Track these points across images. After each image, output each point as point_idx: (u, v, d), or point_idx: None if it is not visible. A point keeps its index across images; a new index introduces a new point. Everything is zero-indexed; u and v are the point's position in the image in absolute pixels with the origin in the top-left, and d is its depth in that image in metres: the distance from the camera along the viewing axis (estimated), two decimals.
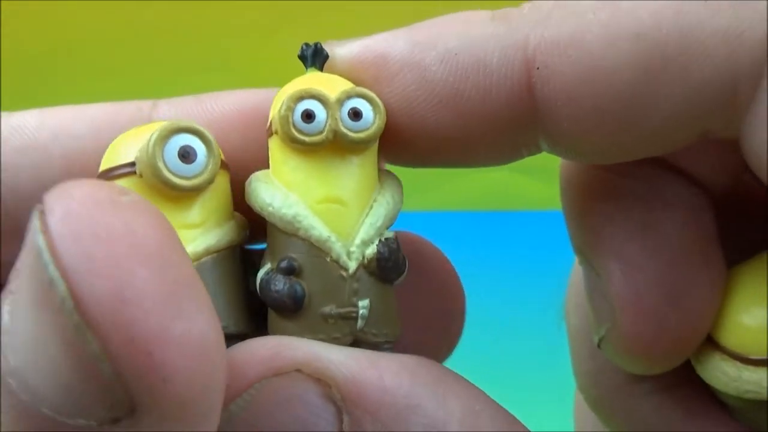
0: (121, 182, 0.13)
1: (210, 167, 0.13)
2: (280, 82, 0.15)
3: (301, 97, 0.14)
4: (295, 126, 0.13)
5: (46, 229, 0.09)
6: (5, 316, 0.10)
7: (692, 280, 0.15)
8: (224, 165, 0.14)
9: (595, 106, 0.13)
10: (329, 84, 0.14)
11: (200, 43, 0.67)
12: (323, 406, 0.12)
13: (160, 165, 0.13)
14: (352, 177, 0.14)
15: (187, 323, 0.10)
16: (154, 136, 0.13)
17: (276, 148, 0.14)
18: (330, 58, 0.15)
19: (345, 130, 0.14)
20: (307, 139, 0.13)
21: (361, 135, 0.14)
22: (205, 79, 0.74)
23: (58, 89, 0.70)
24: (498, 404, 0.13)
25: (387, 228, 0.14)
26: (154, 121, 0.15)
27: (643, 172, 0.15)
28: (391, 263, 0.14)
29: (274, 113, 0.14)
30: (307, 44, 0.15)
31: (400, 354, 0.13)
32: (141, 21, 0.68)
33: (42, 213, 0.10)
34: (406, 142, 0.14)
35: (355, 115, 0.14)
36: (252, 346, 0.12)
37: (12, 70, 0.68)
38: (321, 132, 0.13)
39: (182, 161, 0.13)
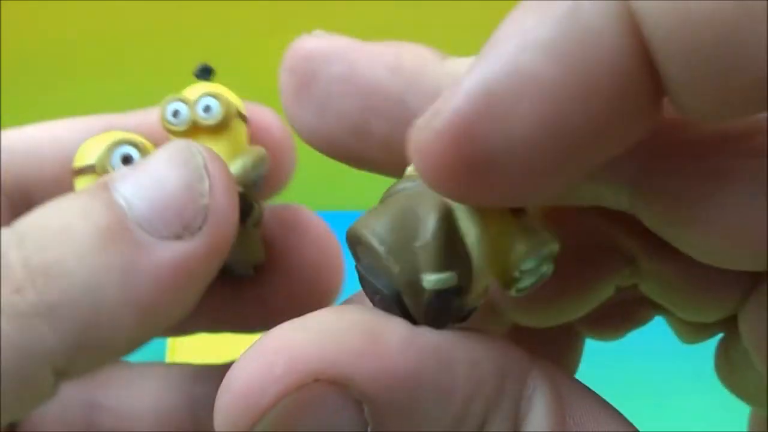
0: (86, 178, 0.19)
1: None
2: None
3: (169, 101, 0.20)
4: (167, 120, 0.19)
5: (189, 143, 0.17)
6: (123, 172, 0.17)
7: None
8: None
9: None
10: (197, 88, 0.20)
11: (200, 43, 0.67)
12: (344, 405, 0.12)
13: (109, 168, 0.18)
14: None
15: (236, 194, 0.17)
16: (103, 149, 0.18)
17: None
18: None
19: (200, 120, 0.19)
20: (175, 128, 0.19)
21: (211, 122, 0.19)
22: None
23: (58, 89, 0.70)
24: (503, 344, 0.14)
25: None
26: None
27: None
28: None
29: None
30: (200, 65, 0.21)
31: (398, 325, 0.13)
32: (141, 21, 0.68)
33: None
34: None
35: (206, 110, 0.19)
36: (259, 364, 0.13)
37: (12, 69, 0.68)
38: (185, 123, 0.19)
39: (123, 164, 0.18)
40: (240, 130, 0.20)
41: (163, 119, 0.19)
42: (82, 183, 0.19)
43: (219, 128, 0.19)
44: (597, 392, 0.14)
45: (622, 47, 0.11)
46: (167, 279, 0.16)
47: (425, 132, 0.12)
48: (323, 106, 0.16)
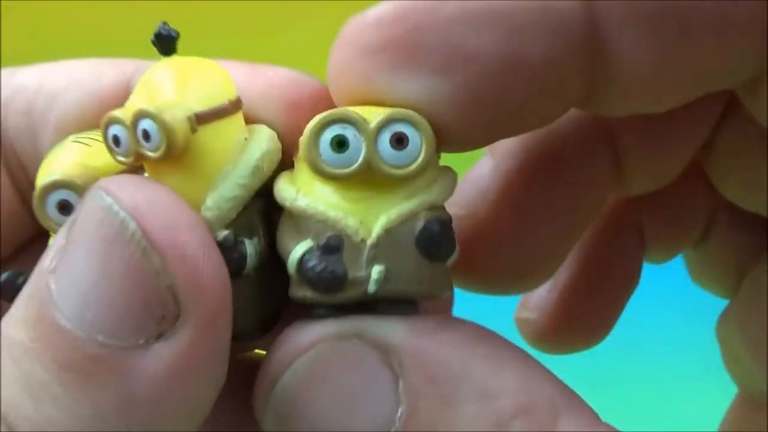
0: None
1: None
2: None
3: (107, 123, 0.14)
4: (112, 149, 0.14)
5: (115, 195, 0.13)
6: (56, 278, 0.13)
7: None
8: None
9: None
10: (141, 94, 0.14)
11: (200, 43, 0.67)
12: (381, 371, 0.12)
13: (46, 220, 0.15)
14: None
15: (214, 248, 0.13)
16: (38, 195, 0.15)
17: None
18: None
19: (144, 152, 0.14)
20: (122, 159, 0.14)
21: (156, 155, 0.14)
22: None
23: None
24: (556, 377, 0.14)
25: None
26: (132, 86, 0.17)
27: None
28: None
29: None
30: (159, 27, 0.15)
31: (461, 325, 0.13)
32: (141, 21, 0.68)
33: (99, 188, 0.13)
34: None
35: (145, 137, 0.13)
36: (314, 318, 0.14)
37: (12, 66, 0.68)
38: (129, 155, 0.14)
39: (61, 213, 0.15)
40: (218, 135, 0.14)
41: (108, 149, 0.14)
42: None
43: (170, 157, 0.13)
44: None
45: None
46: (164, 391, 0.13)
47: (365, 18, 0.13)
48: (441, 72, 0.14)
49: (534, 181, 0.17)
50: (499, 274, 0.18)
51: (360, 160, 0.13)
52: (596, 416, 0.14)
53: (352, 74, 0.14)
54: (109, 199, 0.13)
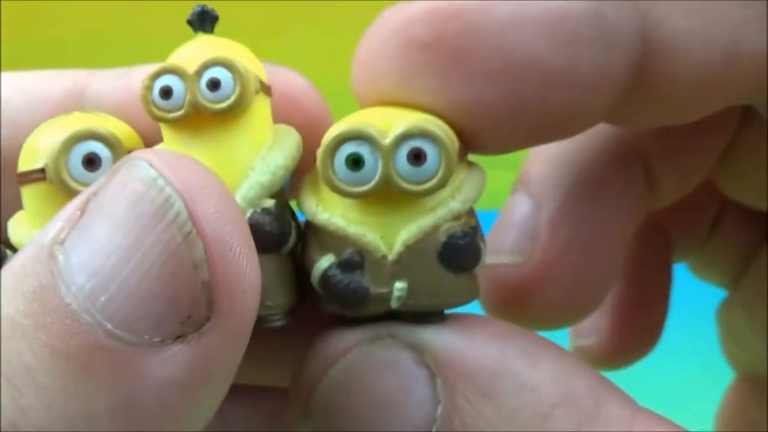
0: (35, 186, 0.13)
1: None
2: None
3: (157, 74, 0.13)
4: (154, 103, 0.13)
5: (162, 169, 0.11)
6: (65, 249, 0.11)
7: None
8: None
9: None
10: (197, 51, 0.13)
11: None
12: (417, 370, 0.12)
13: (65, 176, 0.13)
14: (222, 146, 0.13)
15: (255, 250, 0.12)
16: (57, 146, 0.13)
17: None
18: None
19: (205, 103, 0.13)
20: (167, 115, 0.13)
21: (222, 105, 0.13)
22: None
23: None
24: (590, 367, 0.14)
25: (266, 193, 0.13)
26: (85, 97, 0.15)
27: None
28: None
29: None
30: (197, 7, 0.14)
31: (493, 321, 0.13)
32: (141, 21, 0.68)
33: (141, 159, 0.11)
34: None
35: (214, 85, 0.13)
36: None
37: (12, 69, 0.68)
38: (180, 108, 0.13)
39: (87, 169, 0.13)
40: (262, 109, 0.14)
41: (149, 102, 0.13)
42: (31, 195, 0.13)
43: (232, 112, 0.13)
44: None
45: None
46: (172, 399, 0.11)
47: (411, 10, 0.12)
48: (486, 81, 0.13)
49: (580, 216, 0.17)
50: (556, 313, 0.19)
51: (376, 178, 0.12)
52: (634, 402, 0.14)
53: (387, 70, 0.13)
54: (153, 172, 0.11)
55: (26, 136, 0.14)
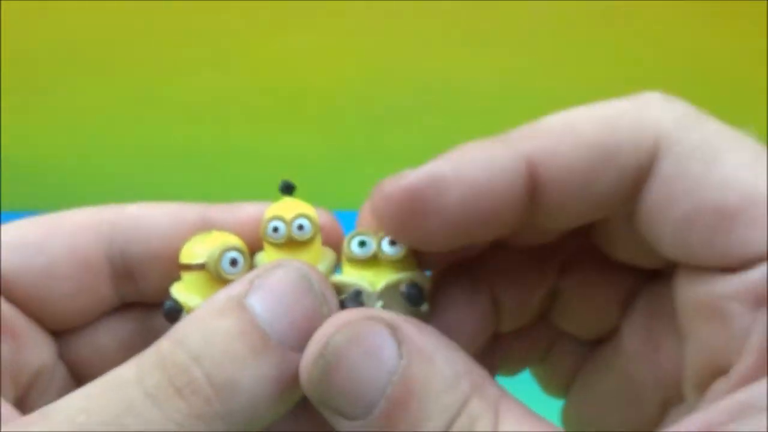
0: (194, 273, 0.23)
1: (245, 268, 0.23)
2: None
3: (271, 218, 0.24)
4: (267, 234, 0.24)
5: (311, 275, 0.21)
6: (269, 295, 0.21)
7: None
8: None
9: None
10: (289, 207, 0.24)
11: (200, 43, 0.67)
12: (389, 340, 0.20)
13: (220, 270, 0.23)
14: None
15: None
16: (217, 252, 0.23)
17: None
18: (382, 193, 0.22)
19: (295, 237, 0.24)
20: (274, 241, 0.24)
21: (305, 239, 0.24)
22: (206, 80, 0.74)
23: (58, 89, 0.70)
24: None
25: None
26: (210, 221, 0.25)
27: None
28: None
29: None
30: (284, 182, 0.24)
31: (429, 326, 0.21)
32: (141, 21, 0.68)
33: (294, 264, 0.22)
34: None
35: (300, 228, 0.24)
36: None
37: (12, 69, 0.68)
38: (282, 238, 0.24)
39: (231, 267, 0.23)
40: (319, 239, 0.24)
41: (265, 234, 0.23)
42: (190, 278, 0.23)
43: (308, 242, 0.24)
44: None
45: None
46: (295, 385, 0.20)
47: (394, 184, 0.21)
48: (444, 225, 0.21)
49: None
50: None
51: (371, 251, 0.23)
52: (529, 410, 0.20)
53: (384, 219, 0.22)
54: (305, 270, 0.21)
55: (161, 240, 0.24)
